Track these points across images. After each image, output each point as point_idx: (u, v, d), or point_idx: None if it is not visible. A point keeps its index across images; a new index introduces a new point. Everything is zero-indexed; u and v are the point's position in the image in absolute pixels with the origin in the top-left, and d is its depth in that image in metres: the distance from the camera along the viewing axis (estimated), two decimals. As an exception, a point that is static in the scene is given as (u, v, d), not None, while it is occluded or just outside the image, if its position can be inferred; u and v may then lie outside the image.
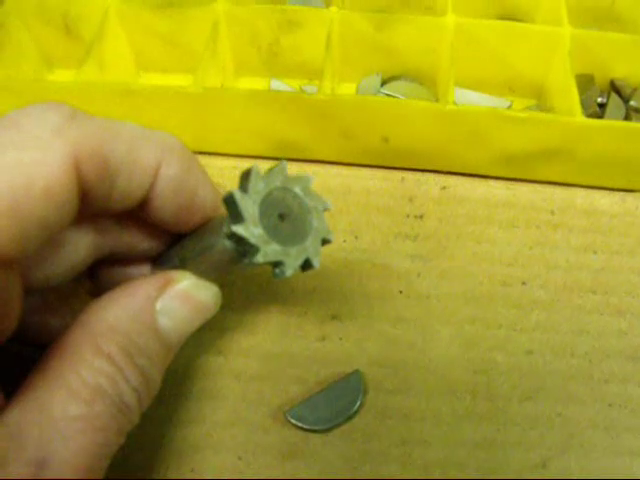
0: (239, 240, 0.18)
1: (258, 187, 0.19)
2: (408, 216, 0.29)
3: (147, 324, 0.20)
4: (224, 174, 0.30)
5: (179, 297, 0.20)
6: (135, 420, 0.19)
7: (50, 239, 0.18)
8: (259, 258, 0.18)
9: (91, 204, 0.18)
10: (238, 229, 0.18)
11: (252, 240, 0.18)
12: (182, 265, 0.21)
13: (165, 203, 0.20)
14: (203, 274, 0.21)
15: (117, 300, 0.20)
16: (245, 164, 0.30)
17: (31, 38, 0.32)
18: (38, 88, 0.29)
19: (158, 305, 0.20)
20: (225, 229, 0.19)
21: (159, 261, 0.23)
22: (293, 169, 0.30)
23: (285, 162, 0.20)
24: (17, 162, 0.16)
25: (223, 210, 0.20)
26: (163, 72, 0.33)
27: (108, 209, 0.20)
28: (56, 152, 0.17)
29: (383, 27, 0.29)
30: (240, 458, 0.24)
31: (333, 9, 0.29)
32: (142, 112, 0.29)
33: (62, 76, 0.34)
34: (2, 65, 0.30)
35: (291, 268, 0.19)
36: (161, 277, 0.20)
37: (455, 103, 0.27)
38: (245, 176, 0.19)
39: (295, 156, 0.30)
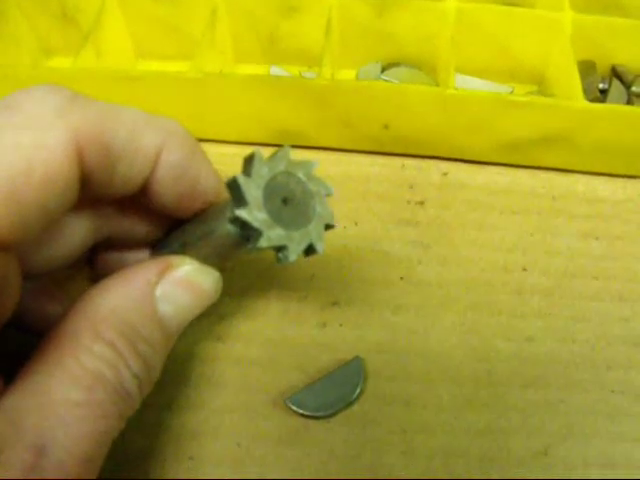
0: (243, 224, 0.18)
1: (262, 172, 0.19)
2: (409, 202, 0.29)
3: (147, 310, 0.19)
4: (224, 161, 0.30)
5: (179, 283, 0.20)
6: (135, 406, 0.19)
7: (49, 225, 0.17)
8: (262, 242, 0.18)
9: (91, 189, 0.18)
10: (242, 213, 0.18)
11: (255, 224, 0.18)
12: (183, 250, 0.21)
13: (166, 189, 0.20)
14: (205, 259, 0.21)
15: (116, 286, 0.19)
16: (245, 151, 0.30)
17: (29, 26, 0.32)
18: (35, 75, 0.29)
19: (158, 291, 0.20)
20: (229, 213, 0.19)
21: (158, 246, 0.23)
22: (293, 156, 0.30)
23: (288, 147, 0.20)
24: (16, 145, 0.16)
25: (225, 196, 0.20)
26: (162, 59, 0.33)
27: (108, 194, 0.19)
28: (57, 135, 0.16)
29: (383, 12, 0.29)
30: (239, 445, 0.24)
31: (333, -5, 0.29)
32: (140, 99, 0.29)
33: (60, 64, 0.33)
34: (1, 53, 0.30)
35: (295, 253, 0.19)
36: (161, 262, 0.20)
37: (456, 88, 0.26)
38: (248, 160, 0.19)
39: (295, 143, 0.30)
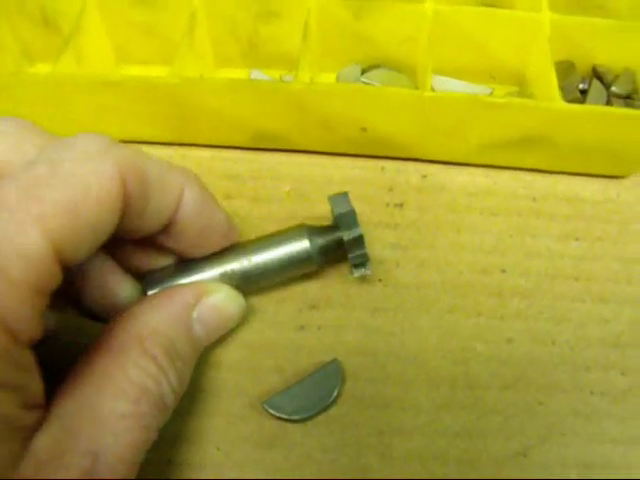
0: (352, 246, 0.24)
1: None
2: (388, 205, 0.29)
3: (185, 330, 0.22)
4: (202, 164, 0.30)
5: (213, 307, 0.23)
6: (168, 417, 0.21)
7: (96, 246, 0.20)
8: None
9: (126, 221, 0.21)
10: (356, 232, 0.24)
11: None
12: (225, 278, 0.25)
13: (188, 225, 0.23)
14: (266, 279, 0.25)
15: (159, 305, 0.22)
16: (224, 154, 0.31)
17: (11, 32, 0.32)
18: (17, 81, 0.29)
19: (195, 313, 0.23)
20: (328, 237, 0.25)
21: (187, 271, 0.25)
22: (273, 159, 0.30)
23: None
24: (74, 173, 0.18)
25: (234, 235, 0.25)
26: (143, 64, 0.33)
27: (139, 229, 0.22)
28: (106, 166, 0.19)
29: (361, 15, 0.29)
30: (219, 449, 0.24)
31: (311, -1, 0.29)
32: (121, 104, 0.29)
33: (42, 69, 0.34)
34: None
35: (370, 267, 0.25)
36: (198, 287, 0.23)
37: (433, 90, 0.26)
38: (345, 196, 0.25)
39: (275, 146, 0.30)
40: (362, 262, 0.25)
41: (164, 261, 0.25)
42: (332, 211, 0.26)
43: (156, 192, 0.21)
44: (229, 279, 0.25)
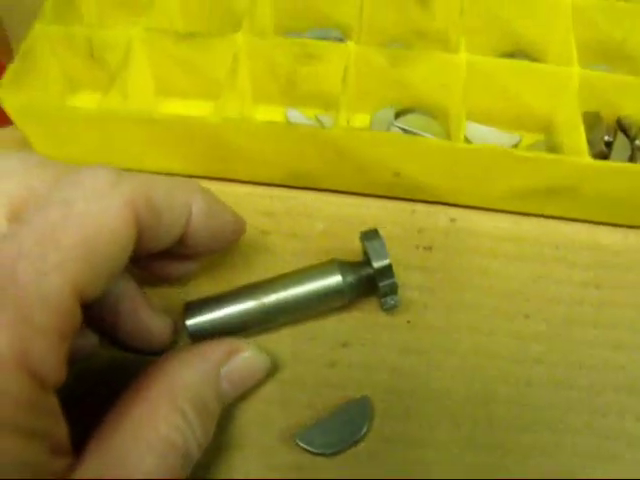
0: (381, 275, 0.26)
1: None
2: (417, 247, 0.30)
3: (213, 386, 0.23)
4: (239, 200, 0.31)
5: (241, 365, 0.24)
6: (191, 468, 0.22)
7: (113, 278, 0.20)
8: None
9: (143, 244, 0.22)
10: (385, 262, 0.26)
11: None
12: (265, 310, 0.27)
13: (200, 233, 0.24)
14: (299, 311, 0.27)
15: (190, 362, 0.23)
16: (260, 191, 0.32)
17: (56, 62, 0.33)
18: (63, 115, 0.30)
19: (223, 370, 0.24)
20: (372, 269, 0.26)
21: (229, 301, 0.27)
22: (307, 198, 0.32)
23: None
24: (86, 213, 0.19)
25: (241, 227, 0.26)
26: (183, 98, 0.34)
27: (153, 247, 0.23)
28: (116, 201, 0.20)
29: (398, 63, 0.30)
30: (249, 480, 0.25)
31: (350, 44, 0.30)
32: (163, 139, 0.30)
33: (85, 99, 0.35)
34: (29, 89, 0.31)
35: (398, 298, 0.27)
36: (228, 344, 0.24)
37: (466, 141, 0.27)
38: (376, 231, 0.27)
39: (309, 185, 0.31)
40: (391, 291, 0.27)
41: (183, 268, 0.27)
42: (362, 246, 0.28)
43: (166, 214, 0.22)
44: (264, 310, 0.27)
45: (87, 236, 0.19)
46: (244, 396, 0.27)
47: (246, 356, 0.25)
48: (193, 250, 0.25)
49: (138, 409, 0.21)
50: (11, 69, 0.30)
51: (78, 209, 0.19)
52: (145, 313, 0.26)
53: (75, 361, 0.25)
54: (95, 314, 0.24)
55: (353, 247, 0.30)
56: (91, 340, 0.25)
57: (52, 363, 0.18)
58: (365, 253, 0.28)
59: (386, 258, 0.26)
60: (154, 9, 0.32)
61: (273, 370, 0.27)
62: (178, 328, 0.27)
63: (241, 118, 0.31)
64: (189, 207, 0.23)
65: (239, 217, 0.26)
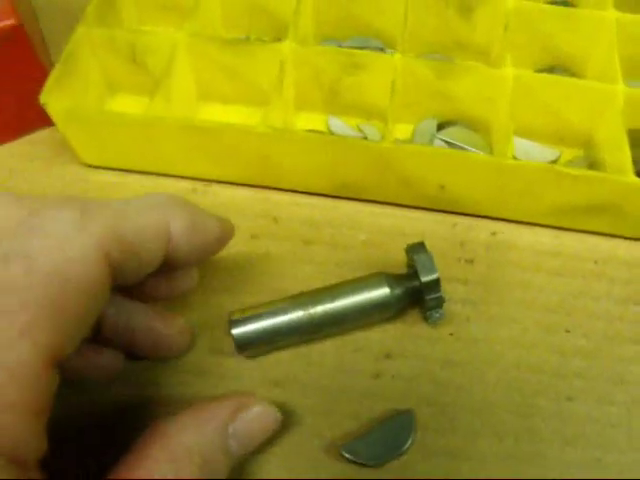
0: (429, 289, 0.27)
1: None
2: (459, 260, 0.30)
3: (220, 447, 0.22)
4: (282, 208, 0.31)
5: (250, 423, 0.23)
6: None
7: (90, 330, 0.19)
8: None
9: (124, 277, 0.20)
10: (433, 277, 0.26)
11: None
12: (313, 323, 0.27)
13: (183, 250, 0.22)
14: (348, 322, 0.27)
15: (194, 424, 0.21)
16: (303, 200, 0.32)
17: (97, 66, 0.33)
18: (107, 120, 0.30)
19: (230, 429, 0.22)
20: (418, 283, 0.27)
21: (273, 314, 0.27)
22: (349, 208, 0.32)
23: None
24: (50, 266, 0.17)
25: (226, 236, 0.25)
26: (223, 103, 0.34)
27: (139, 277, 0.22)
28: (83, 247, 0.18)
29: (444, 75, 0.30)
30: (294, 490, 0.26)
31: (397, 55, 0.30)
32: (208, 146, 0.30)
33: (123, 102, 0.35)
34: (70, 92, 0.31)
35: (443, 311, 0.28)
36: (235, 402, 0.23)
37: (514, 158, 0.28)
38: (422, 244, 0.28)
39: (352, 196, 0.31)
40: (437, 305, 0.28)
41: (182, 283, 0.26)
42: (409, 259, 0.28)
43: (141, 245, 0.20)
44: (311, 321, 0.27)
45: (54, 293, 0.17)
46: (291, 407, 0.27)
47: (254, 413, 0.23)
48: (179, 262, 0.23)
49: (141, 475, 0.19)
50: (54, 73, 0.30)
51: (41, 262, 0.17)
52: (160, 324, 0.25)
53: (103, 382, 0.25)
54: (110, 335, 0.24)
55: (395, 258, 0.30)
56: (116, 360, 0.25)
57: (27, 441, 0.16)
58: (410, 266, 0.29)
59: (434, 272, 0.27)
60: (197, 14, 0.32)
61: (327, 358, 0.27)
62: (194, 330, 0.28)
63: (290, 129, 0.31)
64: (166, 229, 0.22)
65: (225, 222, 0.25)
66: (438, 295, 0.27)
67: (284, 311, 0.27)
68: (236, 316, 0.27)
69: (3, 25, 0.30)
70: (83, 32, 0.32)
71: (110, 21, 0.34)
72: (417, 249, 0.28)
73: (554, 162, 0.33)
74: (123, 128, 0.30)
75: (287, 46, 0.31)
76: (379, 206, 0.31)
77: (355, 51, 0.31)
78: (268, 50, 0.31)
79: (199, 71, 0.32)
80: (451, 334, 0.29)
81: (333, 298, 0.27)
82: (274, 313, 0.27)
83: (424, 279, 0.27)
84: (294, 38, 0.31)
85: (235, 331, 0.27)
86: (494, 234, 0.31)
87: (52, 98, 0.30)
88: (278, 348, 0.28)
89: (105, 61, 0.33)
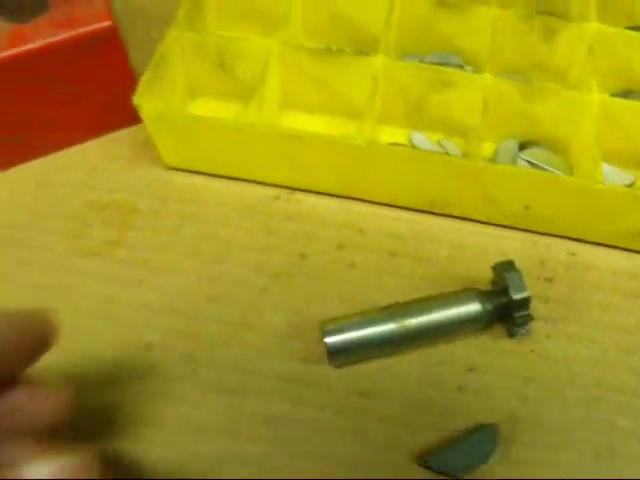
0: (519, 307, 0.27)
1: None
2: (539, 278, 0.31)
3: None
4: (366, 220, 0.32)
5: None
6: None
7: None
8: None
9: None
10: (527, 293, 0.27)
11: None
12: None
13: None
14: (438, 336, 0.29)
15: None
16: (386, 212, 0.32)
17: (183, 69, 0.33)
18: (199, 124, 0.31)
19: None
20: (508, 299, 0.28)
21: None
22: (433, 223, 0.32)
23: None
24: None
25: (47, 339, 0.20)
26: (307, 112, 0.34)
27: None
28: None
29: (531, 97, 0.31)
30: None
31: (486, 75, 0.31)
32: (298, 155, 0.30)
33: (205, 106, 0.35)
34: (159, 94, 0.31)
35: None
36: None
37: (604, 183, 0.28)
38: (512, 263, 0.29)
39: (437, 211, 0.32)
40: (525, 322, 0.29)
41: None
42: (496, 276, 0.29)
43: None
44: (404, 334, 0.28)
45: None
46: (376, 417, 0.28)
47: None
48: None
49: None
50: (146, 75, 0.31)
51: None
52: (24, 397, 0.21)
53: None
54: None
55: (478, 274, 0.31)
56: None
57: None
58: (496, 283, 0.29)
59: (525, 290, 0.27)
60: (287, 23, 0.33)
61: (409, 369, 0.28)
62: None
63: (385, 144, 0.32)
64: None
65: (44, 324, 0.21)
66: (527, 313, 0.28)
67: (377, 322, 0.28)
68: (329, 326, 0.28)
69: (101, 27, 0.31)
70: (174, 36, 0.32)
71: (196, 26, 0.34)
72: (507, 267, 0.28)
73: (630, 186, 0.33)
74: (213, 132, 0.31)
75: (379, 60, 0.31)
76: (461, 222, 0.32)
77: (444, 68, 0.32)
78: (361, 63, 0.32)
79: (287, 79, 0.33)
80: (531, 350, 0.30)
81: (426, 311, 0.28)
82: (367, 324, 0.28)
83: (515, 297, 0.27)
84: (385, 52, 0.32)
85: (329, 340, 0.27)
86: (573, 254, 0.32)
87: (144, 100, 0.30)
88: (366, 358, 0.29)
89: (191, 65, 0.33)
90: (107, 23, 0.31)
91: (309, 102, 0.34)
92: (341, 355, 0.28)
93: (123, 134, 0.35)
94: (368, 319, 0.28)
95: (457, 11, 0.34)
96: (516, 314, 0.28)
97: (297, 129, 0.30)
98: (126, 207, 0.33)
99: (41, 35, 0.30)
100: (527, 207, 0.30)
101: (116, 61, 0.32)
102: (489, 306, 0.28)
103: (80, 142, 0.35)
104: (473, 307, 0.28)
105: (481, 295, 0.28)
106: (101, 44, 0.31)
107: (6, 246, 0.32)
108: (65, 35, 0.30)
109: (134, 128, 0.35)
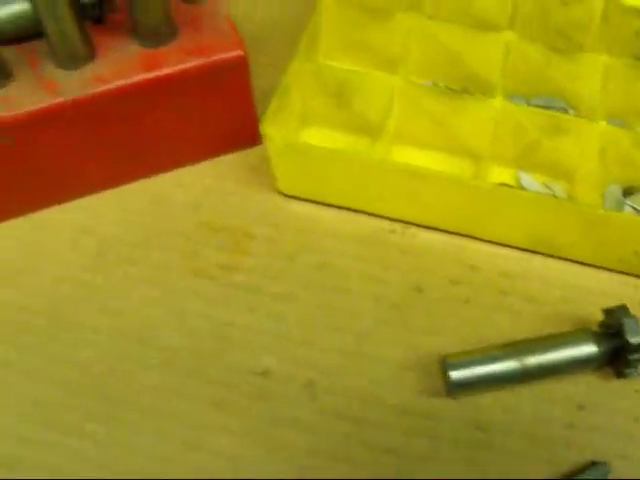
0: (634, 351, 0.28)
1: None
2: (638, 323, 0.33)
3: None
4: (480, 258, 0.33)
5: None
6: None
7: None
8: None
9: None
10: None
11: None
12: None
13: None
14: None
15: None
16: (496, 250, 0.34)
17: (300, 97, 0.34)
18: (325, 156, 0.31)
19: None
20: (624, 342, 0.29)
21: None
22: (543, 263, 0.33)
23: None
24: None
25: None
26: (419, 147, 0.35)
27: None
28: None
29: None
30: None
31: (602, 123, 0.32)
32: (415, 189, 0.31)
33: (315, 134, 0.36)
34: (282, 123, 0.32)
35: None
36: None
37: None
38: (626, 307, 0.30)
39: (547, 251, 0.33)
40: (638, 364, 0.30)
41: None
42: (608, 319, 0.30)
43: None
44: (524, 371, 0.29)
45: None
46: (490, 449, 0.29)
47: None
48: None
49: None
50: (273, 104, 0.31)
51: None
52: None
53: None
54: None
55: (585, 315, 0.32)
56: None
57: None
58: (606, 325, 0.30)
59: None
60: (408, 60, 0.34)
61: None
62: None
63: (510, 188, 0.33)
64: None
65: None
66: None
67: (498, 359, 0.29)
68: (453, 360, 0.29)
69: (232, 55, 0.31)
70: (297, 67, 0.33)
71: (313, 58, 0.35)
72: (621, 311, 0.30)
73: None
74: (337, 164, 0.31)
75: (499, 102, 0.32)
76: (571, 264, 0.33)
77: (559, 114, 0.33)
78: (479, 104, 0.33)
79: (405, 115, 0.34)
80: (636, 391, 0.31)
81: (544, 351, 0.29)
82: (489, 360, 0.29)
83: (632, 340, 0.29)
84: (503, 94, 0.33)
85: (453, 374, 0.28)
86: (670, 299, 0.33)
87: (271, 129, 0.31)
88: (482, 392, 0.30)
89: (309, 95, 0.34)
90: (238, 52, 0.31)
91: (421, 138, 0.35)
92: (463, 389, 0.29)
93: (233, 157, 0.36)
94: (490, 356, 0.29)
95: (567, 56, 0.35)
96: (631, 357, 0.29)
97: (421, 166, 0.31)
98: (241, 232, 0.34)
99: (173, 61, 0.31)
100: (636, 253, 0.31)
101: (241, 88, 0.33)
102: (603, 348, 0.29)
103: (192, 163, 0.35)
104: (589, 348, 0.29)
105: (596, 337, 0.30)
106: (231, 72, 0.32)
107: (122, 263, 0.33)
108: (197, 62, 0.31)
109: (243, 152, 0.36)
